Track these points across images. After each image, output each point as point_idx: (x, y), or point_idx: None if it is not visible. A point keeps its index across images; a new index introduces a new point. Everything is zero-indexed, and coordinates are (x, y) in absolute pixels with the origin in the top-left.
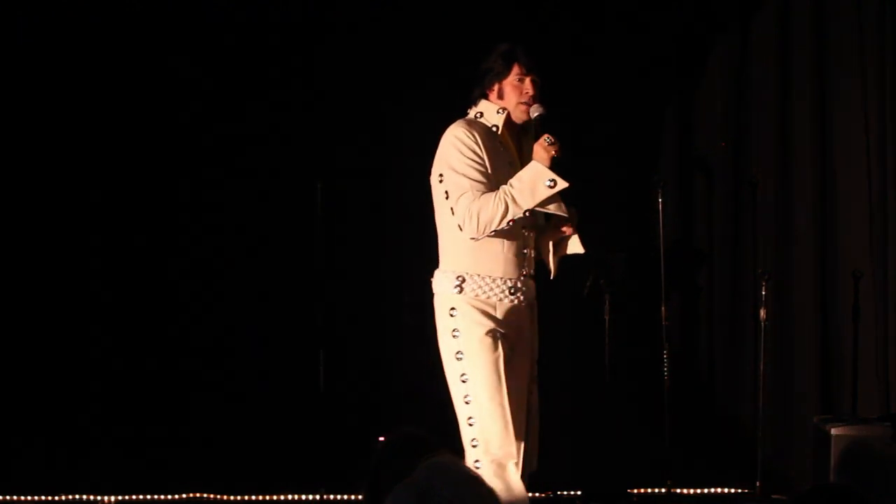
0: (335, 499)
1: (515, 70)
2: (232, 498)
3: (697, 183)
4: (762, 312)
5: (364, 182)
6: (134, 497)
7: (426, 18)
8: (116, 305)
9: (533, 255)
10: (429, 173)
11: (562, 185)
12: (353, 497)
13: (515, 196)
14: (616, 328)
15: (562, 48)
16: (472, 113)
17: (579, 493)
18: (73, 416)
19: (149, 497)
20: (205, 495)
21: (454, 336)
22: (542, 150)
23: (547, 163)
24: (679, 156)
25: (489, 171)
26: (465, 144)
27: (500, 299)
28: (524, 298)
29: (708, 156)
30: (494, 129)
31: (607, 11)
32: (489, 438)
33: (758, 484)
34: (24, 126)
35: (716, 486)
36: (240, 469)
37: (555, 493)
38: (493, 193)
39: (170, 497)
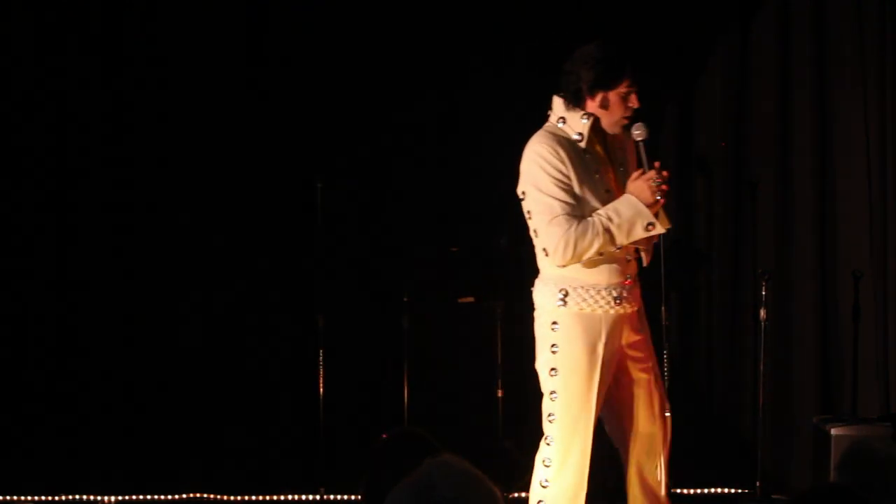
0: (335, 499)
1: (626, 83)
2: (232, 498)
3: (697, 183)
4: (762, 312)
5: (364, 182)
6: (134, 497)
7: (428, 16)
8: (119, 307)
9: (635, 258)
10: (514, 190)
11: (659, 230)
12: (352, 497)
13: (613, 231)
14: None
15: (560, 48)
16: (553, 118)
17: None
18: (72, 416)
19: (149, 497)
20: (205, 495)
21: (553, 352)
22: (647, 187)
23: (649, 201)
24: (679, 156)
25: (576, 188)
26: (549, 163)
27: (607, 311)
28: (630, 305)
29: (708, 156)
30: (579, 136)
31: (606, 11)
32: (562, 463)
33: (758, 484)
34: None
35: (716, 487)
36: (240, 469)
37: None
38: (590, 223)
39: (170, 497)
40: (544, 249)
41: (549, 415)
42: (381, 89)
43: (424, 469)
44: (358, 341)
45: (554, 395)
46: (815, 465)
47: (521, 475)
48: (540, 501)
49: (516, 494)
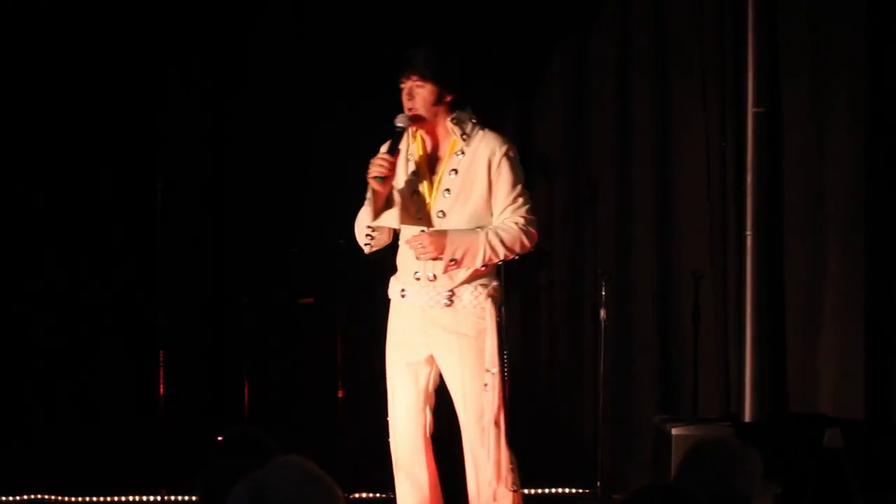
0: (176, 500)
1: (402, 78)
2: (72, 499)
3: (537, 183)
4: (602, 313)
5: (204, 183)
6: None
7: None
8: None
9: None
10: None
11: (368, 197)
12: (193, 498)
13: (362, 210)
14: None
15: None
16: None
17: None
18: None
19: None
20: (45, 496)
21: None
22: (370, 165)
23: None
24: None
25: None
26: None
27: (396, 299)
28: (416, 301)
29: (548, 156)
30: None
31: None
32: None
33: (598, 484)
34: None
35: (556, 487)
36: (79, 470)
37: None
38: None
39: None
40: None
41: None
42: (218, 91)
43: (269, 466)
44: (199, 341)
45: None
46: (655, 466)
47: (361, 476)
48: None
49: (357, 495)
